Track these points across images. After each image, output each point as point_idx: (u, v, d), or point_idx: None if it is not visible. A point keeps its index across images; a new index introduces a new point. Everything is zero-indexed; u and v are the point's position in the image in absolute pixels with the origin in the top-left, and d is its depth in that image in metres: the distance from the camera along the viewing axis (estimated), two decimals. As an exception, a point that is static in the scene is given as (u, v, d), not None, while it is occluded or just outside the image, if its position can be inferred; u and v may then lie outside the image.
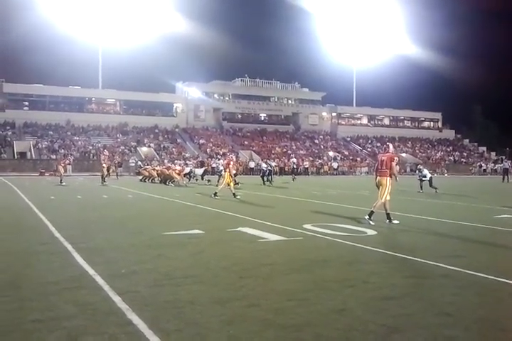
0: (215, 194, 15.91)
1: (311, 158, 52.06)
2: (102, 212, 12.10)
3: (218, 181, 22.32)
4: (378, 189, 9.77)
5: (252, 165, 43.93)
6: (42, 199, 15.21)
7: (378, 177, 9.75)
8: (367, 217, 9.50)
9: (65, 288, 4.75)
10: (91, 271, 5.38)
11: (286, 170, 44.52)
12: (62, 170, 25.05)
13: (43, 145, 45.90)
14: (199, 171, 28.93)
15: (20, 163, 42.14)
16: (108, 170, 26.95)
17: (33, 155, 44.13)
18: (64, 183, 23.23)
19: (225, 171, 16.61)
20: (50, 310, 4.10)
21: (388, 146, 10.14)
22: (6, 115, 50.71)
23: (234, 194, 15.93)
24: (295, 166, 42.47)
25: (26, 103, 54.36)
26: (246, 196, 16.93)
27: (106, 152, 36.90)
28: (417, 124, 72.98)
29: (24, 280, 5.05)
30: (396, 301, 4.45)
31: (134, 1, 53.99)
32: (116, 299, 4.36)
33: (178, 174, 24.58)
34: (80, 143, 48.52)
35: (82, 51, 55.79)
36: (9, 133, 48.36)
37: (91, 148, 47.20)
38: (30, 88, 53.78)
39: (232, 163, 17.18)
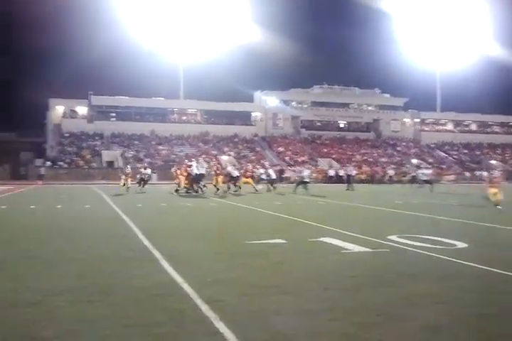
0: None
1: (393, 166, 50.66)
2: (187, 219, 12.44)
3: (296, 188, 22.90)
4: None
5: (331, 173, 43.48)
6: (129, 206, 15.85)
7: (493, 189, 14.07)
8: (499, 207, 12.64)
9: (154, 294, 4.87)
10: (178, 278, 5.48)
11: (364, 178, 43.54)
12: (182, 178, 23.99)
13: (130, 155, 48.10)
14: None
15: (109, 171, 44.37)
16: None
17: (120, 164, 46.35)
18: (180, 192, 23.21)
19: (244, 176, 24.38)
20: (141, 316, 4.20)
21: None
22: (95, 126, 53.67)
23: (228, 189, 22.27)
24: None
25: (113, 114, 57.23)
26: (326, 205, 16.74)
27: (189, 162, 37.37)
28: (507, 129, 69.00)
29: (115, 286, 5.22)
30: (494, 319, 4.17)
31: (209, 14, 55.68)
32: (204, 307, 4.41)
33: (248, 177, 25.34)
34: (163, 152, 50.37)
35: (163, 64, 57.92)
36: (98, 143, 51.16)
37: (174, 156, 48.86)
38: (116, 100, 56.55)
39: (248, 172, 25.97)
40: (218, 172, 24.04)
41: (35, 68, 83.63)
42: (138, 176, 25.44)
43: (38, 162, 45.89)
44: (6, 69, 59.15)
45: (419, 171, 30.71)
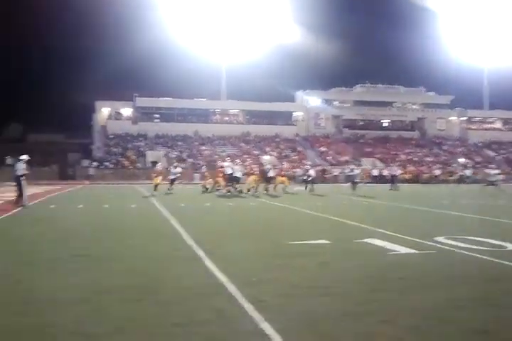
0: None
1: (439, 166, 49.48)
2: (229, 219, 12.53)
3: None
4: None
5: (375, 173, 42.87)
6: (173, 206, 16.07)
7: None
8: None
9: (200, 293, 4.93)
10: (223, 278, 5.53)
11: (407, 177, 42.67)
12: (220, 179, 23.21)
13: (173, 155, 48.82)
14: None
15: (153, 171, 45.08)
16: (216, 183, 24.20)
17: (165, 164, 47.08)
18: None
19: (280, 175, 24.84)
20: (187, 315, 4.26)
21: None
22: (139, 127, 54.75)
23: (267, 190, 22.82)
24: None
25: (157, 115, 58.20)
26: (371, 205, 16.51)
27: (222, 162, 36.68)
28: (560, 127, 66.22)
29: (162, 285, 5.31)
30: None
31: (250, 14, 55.87)
32: (249, 307, 4.43)
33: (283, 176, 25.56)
34: (206, 152, 50.89)
35: (206, 65, 58.39)
36: (142, 144, 52.17)
37: (217, 157, 49.26)
38: (160, 101, 57.45)
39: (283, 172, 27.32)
40: (252, 172, 24.27)
41: (82, 72, 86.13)
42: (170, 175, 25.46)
43: (85, 163, 47.19)
44: (56, 73, 61.03)
45: (487, 171, 29.91)
